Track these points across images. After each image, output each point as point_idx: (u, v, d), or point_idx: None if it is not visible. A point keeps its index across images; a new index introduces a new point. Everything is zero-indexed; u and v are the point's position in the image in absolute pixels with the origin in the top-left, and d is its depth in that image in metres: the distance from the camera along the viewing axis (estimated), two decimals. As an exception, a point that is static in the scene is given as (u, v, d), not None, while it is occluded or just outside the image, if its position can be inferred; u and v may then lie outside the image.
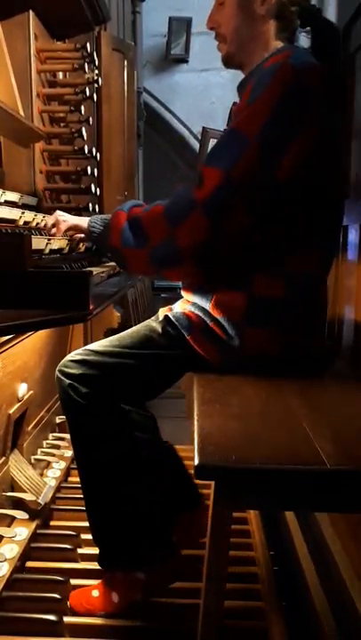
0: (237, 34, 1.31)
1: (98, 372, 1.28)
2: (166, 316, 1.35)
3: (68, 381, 1.29)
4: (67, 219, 1.45)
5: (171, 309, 1.46)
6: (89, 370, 1.28)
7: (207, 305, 1.28)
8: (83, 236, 1.46)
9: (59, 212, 1.48)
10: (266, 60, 1.27)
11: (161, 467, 1.43)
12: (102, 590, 1.40)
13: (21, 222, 1.44)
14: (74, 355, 1.32)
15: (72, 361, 1.30)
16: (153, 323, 1.36)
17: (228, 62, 1.38)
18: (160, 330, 1.33)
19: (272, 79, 1.16)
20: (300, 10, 1.30)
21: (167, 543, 1.39)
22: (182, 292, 1.41)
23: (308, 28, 1.33)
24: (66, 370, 1.30)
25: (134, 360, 1.29)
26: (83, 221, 1.40)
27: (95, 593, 1.40)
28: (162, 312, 1.50)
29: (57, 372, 1.32)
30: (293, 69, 1.16)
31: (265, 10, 1.28)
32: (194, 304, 1.33)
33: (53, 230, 1.45)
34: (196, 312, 1.31)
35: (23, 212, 1.44)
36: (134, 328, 1.37)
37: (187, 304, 1.35)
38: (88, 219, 1.38)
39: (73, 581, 1.48)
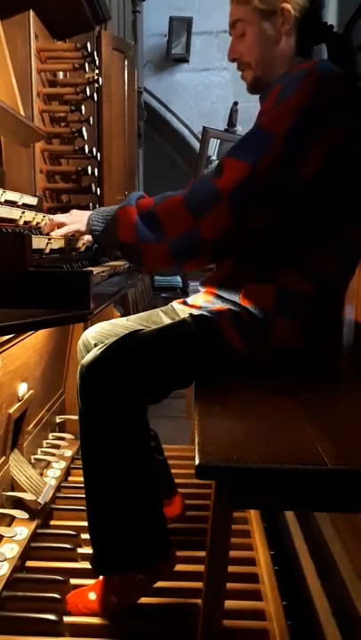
0: (263, 57, 1.33)
1: (121, 369, 1.24)
2: (192, 314, 1.34)
3: (88, 379, 1.25)
4: (65, 222, 1.40)
5: (185, 302, 1.46)
6: (112, 367, 1.24)
7: (236, 297, 1.30)
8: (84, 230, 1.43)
9: (57, 217, 1.43)
10: (292, 68, 1.30)
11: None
12: (100, 592, 1.38)
13: (22, 222, 1.44)
14: (95, 352, 1.27)
15: (95, 359, 1.25)
16: (185, 320, 1.33)
17: (256, 87, 1.39)
18: (189, 319, 1.31)
19: (300, 83, 1.19)
20: (316, 27, 1.33)
21: (166, 543, 1.39)
22: (203, 287, 1.42)
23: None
24: (87, 368, 1.26)
25: (160, 353, 1.26)
26: (82, 224, 1.37)
27: (92, 595, 1.39)
28: (178, 306, 1.49)
29: (80, 370, 1.28)
30: (321, 75, 1.19)
31: (286, 29, 1.31)
32: (219, 297, 1.34)
33: (53, 233, 1.42)
34: (224, 304, 1.32)
35: (23, 212, 1.44)
36: (165, 325, 1.35)
37: (211, 296, 1.36)
38: (87, 218, 1.35)
39: (73, 581, 1.48)
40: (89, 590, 1.40)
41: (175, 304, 1.56)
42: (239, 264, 1.33)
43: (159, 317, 1.59)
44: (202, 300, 1.40)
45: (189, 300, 1.48)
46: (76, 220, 1.40)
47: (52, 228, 1.41)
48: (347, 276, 1.35)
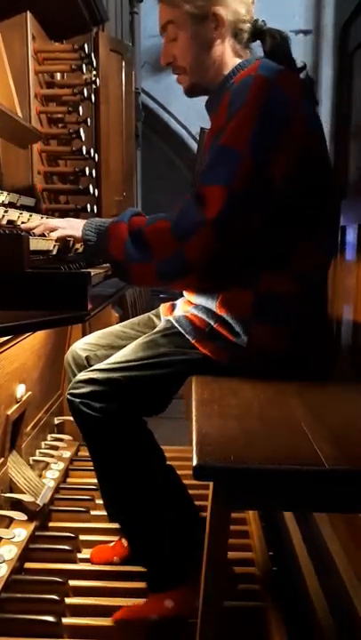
0: (197, 63, 1.32)
1: (108, 388, 1.26)
2: (169, 321, 1.35)
3: (79, 401, 1.27)
4: (60, 226, 1.37)
5: (172, 307, 1.46)
6: (99, 387, 1.26)
7: (213, 305, 1.29)
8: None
9: (51, 221, 1.41)
10: (233, 74, 1.29)
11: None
12: (154, 598, 1.39)
13: (19, 223, 1.44)
14: (82, 375, 1.30)
15: (81, 381, 1.28)
16: (157, 334, 1.35)
17: (192, 92, 1.39)
18: (164, 337, 1.32)
19: (248, 91, 1.18)
20: (250, 26, 1.32)
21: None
22: (184, 293, 1.41)
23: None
24: (76, 391, 1.28)
25: (142, 371, 1.28)
26: (77, 230, 1.34)
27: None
28: (163, 310, 1.50)
29: (67, 395, 1.30)
30: (266, 79, 1.19)
31: (219, 34, 1.30)
32: (197, 306, 1.33)
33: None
34: (200, 314, 1.31)
35: (21, 213, 1.44)
36: (138, 341, 1.36)
37: (189, 306, 1.35)
38: (82, 226, 1.34)
39: (71, 582, 1.48)
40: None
41: (162, 314, 1.54)
42: (220, 270, 1.29)
43: (152, 321, 1.59)
44: (181, 310, 1.39)
45: (177, 307, 1.47)
46: (71, 225, 1.37)
47: (45, 230, 1.38)
48: (325, 275, 1.36)
